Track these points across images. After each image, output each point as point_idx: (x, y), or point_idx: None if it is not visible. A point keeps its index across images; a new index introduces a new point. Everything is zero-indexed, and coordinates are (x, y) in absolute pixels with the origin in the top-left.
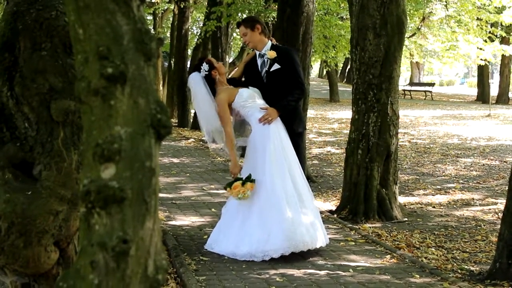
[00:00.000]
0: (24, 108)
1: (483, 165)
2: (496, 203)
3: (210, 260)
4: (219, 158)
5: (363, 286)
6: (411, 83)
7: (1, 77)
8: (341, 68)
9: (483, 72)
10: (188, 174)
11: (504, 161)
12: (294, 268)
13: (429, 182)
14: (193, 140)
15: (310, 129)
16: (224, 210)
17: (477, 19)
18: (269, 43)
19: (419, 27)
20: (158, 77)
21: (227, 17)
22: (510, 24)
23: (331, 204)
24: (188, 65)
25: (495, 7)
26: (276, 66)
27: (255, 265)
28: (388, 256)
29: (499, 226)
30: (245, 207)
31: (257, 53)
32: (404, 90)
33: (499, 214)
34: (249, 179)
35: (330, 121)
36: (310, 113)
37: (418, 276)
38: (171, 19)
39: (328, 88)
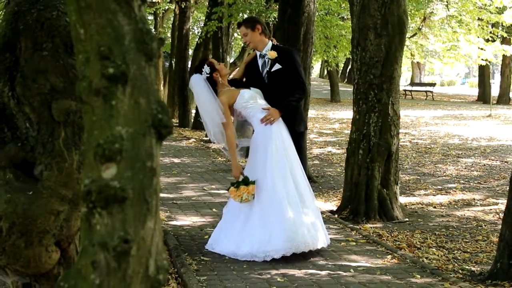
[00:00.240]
0: (25, 108)
1: (484, 165)
2: (497, 203)
3: (211, 260)
4: (220, 158)
5: (364, 286)
6: (412, 83)
7: (2, 77)
8: (342, 68)
9: (484, 72)
10: (189, 174)
11: (505, 161)
12: (295, 268)
13: (430, 182)
14: (194, 140)
15: (311, 129)
16: (225, 210)
17: (478, 19)
18: (270, 44)
19: (420, 27)
20: (159, 77)
21: (228, 17)
22: (511, 25)
23: (332, 204)
24: (189, 65)
25: (496, 8)
26: (277, 67)
27: (256, 265)
28: (389, 256)
29: (500, 227)
30: (246, 207)
31: (258, 53)
32: (405, 90)
33: (500, 214)
34: (244, 182)
35: (331, 121)
36: (311, 113)
37: (419, 276)
38: (172, 19)
39: (329, 88)
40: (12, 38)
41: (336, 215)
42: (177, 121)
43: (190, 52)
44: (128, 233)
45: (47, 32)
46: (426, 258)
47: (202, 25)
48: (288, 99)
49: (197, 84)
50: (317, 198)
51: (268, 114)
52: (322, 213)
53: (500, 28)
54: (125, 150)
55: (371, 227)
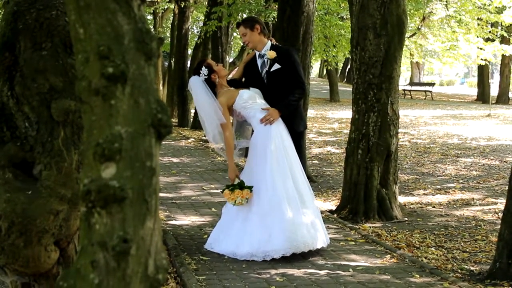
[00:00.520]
0: (24, 108)
1: (483, 165)
2: (496, 203)
3: (210, 259)
4: (219, 158)
5: (363, 286)
6: (411, 83)
7: (2, 76)
8: (341, 68)
9: (483, 72)
10: (188, 174)
11: (504, 161)
12: (294, 268)
13: (429, 182)
14: (193, 139)
15: (310, 129)
16: (224, 210)
17: (478, 19)
18: (269, 43)
19: (419, 27)
20: (158, 77)
21: (227, 17)
22: (510, 24)
23: (331, 204)
24: (188, 65)
25: (496, 7)
26: (276, 66)
27: (255, 264)
28: (388, 256)
29: (499, 226)
30: (245, 207)
31: (257, 53)
32: (404, 90)
33: (499, 214)
34: (239, 185)
35: (330, 121)
36: (310, 112)
37: (418, 276)
38: (171, 18)
39: (328, 87)
40: (11, 38)
41: (335, 215)
42: (176, 120)
43: (190, 51)
44: (127, 232)
45: (47, 31)
46: (425, 257)
47: (202, 24)
48: (288, 99)
49: (196, 86)
50: (317, 197)
51: (267, 114)
52: (322, 212)
53: (499, 28)
54: (125, 150)
55: (370, 227)
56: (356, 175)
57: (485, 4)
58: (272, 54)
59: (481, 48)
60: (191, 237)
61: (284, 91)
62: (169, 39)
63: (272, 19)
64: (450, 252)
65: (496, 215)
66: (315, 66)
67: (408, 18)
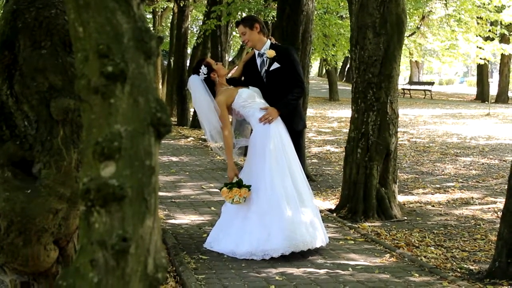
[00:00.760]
0: (23, 107)
1: (482, 164)
2: (495, 202)
3: (209, 258)
4: (218, 157)
5: (362, 285)
6: (411, 82)
7: (1, 75)
8: (340, 67)
9: (482, 71)
10: (187, 173)
11: (503, 160)
12: (294, 267)
13: (429, 181)
14: (193, 138)
15: (310, 128)
16: (223, 209)
17: (478, 17)
18: (268, 42)
19: (419, 26)
20: (157, 76)
21: (226, 16)
22: (510, 23)
23: (331, 203)
24: (188, 64)
25: (495, 6)
26: (275, 65)
27: (255, 263)
28: (388, 255)
29: (498, 225)
30: (245, 206)
31: (256, 52)
32: (403, 89)
33: (498, 213)
34: (238, 184)
35: (330, 120)
36: (310, 112)
37: (417, 275)
38: (170, 17)
39: (328, 87)
40: (10, 36)
41: (334, 214)
42: (176, 119)
43: (189, 50)
44: (126, 231)
45: (46, 30)
46: (425, 256)
47: (201, 23)
48: (287, 98)
49: (195, 85)
50: (316, 196)
51: (266, 113)
52: (321, 211)
53: (499, 27)
54: (124, 149)
55: (369, 226)
56: (356, 174)
57: (484, 3)
58: (272, 53)
59: (480, 47)
60: (190, 236)
61: (284, 90)
62: (169, 38)
63: (272, 18)
64: (449, 251)
65: (496, 214)
66: (315, 65)
67: (408, 17)
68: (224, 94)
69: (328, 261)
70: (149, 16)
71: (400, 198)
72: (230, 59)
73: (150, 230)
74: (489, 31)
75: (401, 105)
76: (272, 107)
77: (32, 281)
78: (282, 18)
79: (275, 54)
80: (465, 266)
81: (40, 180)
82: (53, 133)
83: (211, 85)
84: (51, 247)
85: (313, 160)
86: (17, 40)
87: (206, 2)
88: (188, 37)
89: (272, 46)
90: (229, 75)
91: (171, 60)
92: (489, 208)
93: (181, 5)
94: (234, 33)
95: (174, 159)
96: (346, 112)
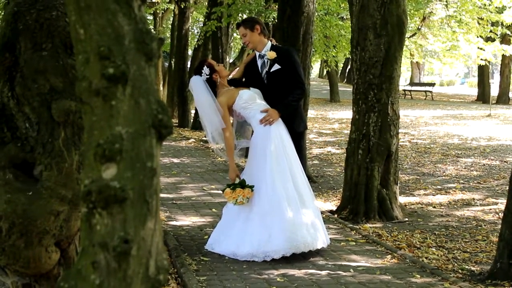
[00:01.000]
0: (25, 109)
1: (484, 165)
2: (496, 203)
3: (210, 260)
4: (219, 158)
5: (363, 286)
6: (412, 83)
7: (2, 77)
8: (341, 68)
9: (483, 72)
10: (188, 174)
11: (505, 161)
12: (295, 268)
13: (430, 182)
14: (194, 140)
15: (311, 129)
16: (225, 210)
17: (479, 18)
18: (269, 44)
19: (420, 27)
20: (158, 77)
21: (227, 17)
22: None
23: (332, 204)
24: (189, 65)
25: (496, 7)
26: (276, 67)
27: (256, 265)
28: (389, 256)
29: (499, 226)
30: (246, 207)
31: (257, 54)
32: (404, 90)
33: (500, 214)
34: (241, 184)
35: (331, 121)
36: (311, 113)
37: (418, 276)
38: (171, 19)
39: (329, 88)
40: (11, 38)
41: (335, 215)
42: (177, 121)
43: (190, 52)
44: (128, 233)
45: (47, 32)
46: (426, 258)
47: (202, 25)
48: (288, 99)
49: (197, 85)
50: (317, 198)
51: (267, 115)
52: (322, 213)
53: (500, 27)
54: (125, 150)
55: (370, 227)
56: (357, 175)
57: (485, 4)
58: (272, 54)
59: (481, 48)
60: (191, 237)
61: (284, 91)
62: (169, 39)
63: (272, 19)
64: (450, 252)
65: (497, 215)
66: (315, 67)
67: (408, 18)
68: (225, 95)
69: (329, 263)
70: (150, 17)
71: (401, 199)
72: (231, 60)
73: (151, 232)
74: (490, 31)
75: (402, 106)
76: (272, 109)
77: (34, 283)
78: (283, 19)
79: (276, 56)
80: (467, 267)
81: (41, 182)
82: (54, 135)
83: (212, 86)
84: (52, 249)
85: (314, 162)
86: (18, 42)
87: (207, 3)
88: (189, 39)
89: (273, 48)
90: (230, 76)
91: (172, 62)
92: (490, 209)
93: (182, 6)
94: (235, 34)
95: (175, 160)
96: (347, 113)
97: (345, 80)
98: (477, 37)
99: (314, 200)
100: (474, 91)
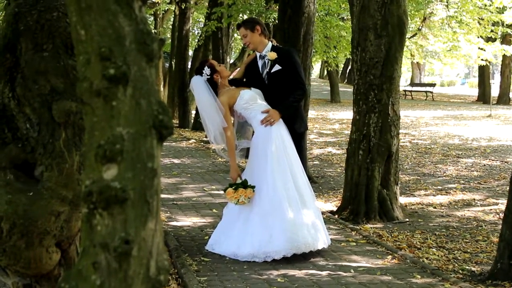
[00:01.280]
0: (25, 109)
1: (484, 165)
2: (497, 204)
3: (211, 260)
4: (220, 159)
5: (364, 287)
6: (412, 84)
7: (3, 78)
8: (342, 69)
9: (484, 73)
10: (189, 175)
11: (505, 162)
12: (296, 269)
13: (430, 183)
14: (194, 141)
15: (311, 130)
16: (225, 211)
17: (480, 18)
18: (270, 44)
19: (420, 27)
20: (159, 78)
21: (227, 17)
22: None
23: (332, 205)
24: (189, 66)
25: (496, 7)
26: (277, 67)
27: (257, 265)
28: (389, 257)
29: (500, 227)
30: (246, 208)
31: (258, 54)
32: (405, 91)
33: (500, 214)
34: (243, 184)
35: (331, 122)
36: (311, 113)
37: (419, 277)
38: (172, 19)
39: (329, 88)
40: (12, 39)
41: (336, 216)
42: (177, 121)
43: (190, 52)
44: (129, 233)
45: (48, 33)
46: (427, 258)
47: (202, 26)
48: (288, 100)
49: (198, 85)
50: (317, 198)
51: (268, 115)
52: (322, 213)
53: (500, 27)
54: (126, 151)
55: (371, 228)
56: (357, 176)
57: (485, 5)
58: (273, 55)
59: (481, 49)
60: (192, 238)
61: (285, 92)
62: (170, 40)
63: (273, 20)
64: (451, 252)
65: (497, 216)
66: (316, 67)
67: (409, 18)
68: (226, 94)
69: (330, 263)
70: (151, 18)
71: (402, 199)
72: (232, 61)
73: (152, 232)
74: (491, 31)
75: (403, 107)
76: (273, 109)
77: (35, 284)
78: (283, 20)
79: (276, 56)
80: (467, 267)
81: (42, 183)
82: (55, 136)
83: (213, 86)
84: (53, 249)
85: (314, 162)
86: (19, 42)
87: (207, 4)
88: (190, 39)
89: (273, 48)
90: (231, 76)
91: (173, 62)
92: (491, 209)
93: (183, 7)
94: (235, 35)
95: (176, 161)
96: (347, 114)
97: (346, 80)
98: (478, 37)
99: (314, 200)
100: (474, 92)
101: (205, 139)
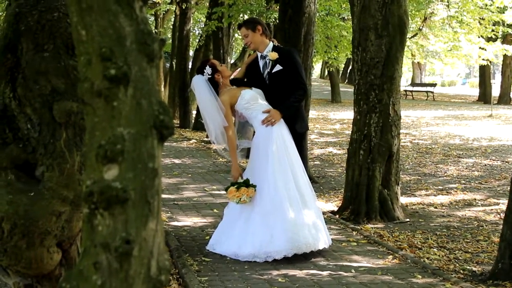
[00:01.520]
0: (26, 110)
1: (485, 165)
2: (498, 204)
3: (212, 260)
4: (221, 159)
5: (365, 287)
6: (413, 84)
7: (4, 78)
8: (342, 69)
9: (484, 73)
10: (190, 175)
11: (506, 161)
12: (296, 269)
13: (431, 183)
14: (195, 141)
15: (312, 130)
16: (226, 211)
17: (481, 18)
18: (271, 44)
19: (421, 27)
20: (159, 78)
21: (228, 17)
22: None
23: (333, 205)
24: (190, 66)
25: (497, 7)
26: (278, 68)
27: (257, 265)
28: (390, 257)
29: (501, 227)
30: (247, 208)
31: (259, 54)
32: (405, 91)
33: (501, 214)
34: (245, 183)
35: (332, 122)
36: (312, 113)
37: (420, 277)
38: (172, 20)
39: (330, 88)
40: (13, 40)
41: (337, 216)
42: (178, 122)
43: (191, 52)
44: (130, 234)
45: (49, 33)
46: (427, 258)
47: (203, 26)
48: (289, 100)
49: (199, 85)
50: (318, 198)
51: (269, 115)
52: (323, 213)
53: (501, 27)
54: (127, 151)
55: (372, 228)
56: (358, 176)
57: (486, 4)
58: (274, 55)
59: (482, 48)
60: (193, 238)
61: (286, 92)
62: (171, 40)
63: (274, 20)
64: (452, 252)
65: (498, 216)
66: (317, 67)
67: (410, 18)
68: (227, 94)
69: (330, 263)
70: (151, 18)
71: (403, 199)
72: (232, 61)
73: (153, 232)
74: (492, 31)
75: (404, 107)
76: (274, 109)
77: (36, 284)
78: (284, 20)
79: (277, 56)
80: (468, 267)
81: (43, 183)
82: (56, 136)
83: (214, 86)
84: (54, 249)
85: (315, 162)
86: (19, 43)
87: (208, 4)
88: (190, 39)
89: (274, 48)
90: (232, 76)
91: (173, 63)
92: (491, 209)
93: (183, 7)
94: (236, 35)
95: (177, 161)
96: (348, 114)
97: (347, 80)
98: (479, 37)
99: (315, 200)
100: (475, 92)
101: (206, 139)
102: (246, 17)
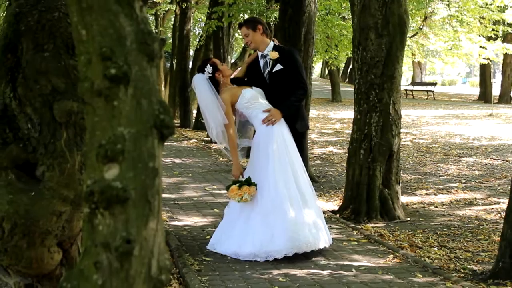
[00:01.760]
0: (27, 109)
1: (486, 164)
2: (498, 203)
3: (212, 260)
4: (221, 159)
5: (365, 286)
6: (413, 83)
7: (4, 78)
8: (343, 68)
9: (485, 72)
10: (190, 175)
11: (507, 161)
12: (297, 268)
13: (432, 182)
14: (195, 140)
15: (312, 129)
16: (226, 210)
17: (481, 17)
18: (271, 44)
19: (421, 26)
20: (160, 78)
21: (228, 17)
22: None
23: (334, 204)
24: (190, 66)
25: (497, 6)
26: (278, 67)
27: (258, 265)
28: (391, 256)
29: (501, 226)
30: (248, 207)
31: (259, 54)
32: (406, 90)
33: (502, 213)
34: (247, 182)
35: (332, 121)
36: (312, 113)
37: (420, 276)
38: (173, 19)
39: (330, 88)
40: (13, 39)
41: (337, 215)
42: (178, 121)
43: (191, 52)
44: (130, 233)
45: (49, 33)
46: (428, 257)
47: (203, 25)
48: (290, 99)
49: (200, 83)
50: (319, 198)
51: (269, 114)
52: (324, 213)
53: (501, 26)
54: (127, 151)
55: (372, 227)
56: (359, 175)
57: (486, 3)
58: (275, 54)
59: (483, 47)
60: (193, 237)
61: (286, 91)
62: (171, 39)
63: (274, 19)
64: (452, 251)
65: (499, 215)
66: (317, 66)
67: (410, 18)
68: (228, 92)
69: (331, 262)
70: (152, 18)
71: (403, 199)
72: (233, 60)
73: (153, 232)
74: (492, 30)
75: (404, 106)
76: (275, 109)
77: (36, 283)
78: (284, 19)
79: (278, 56)
80: (469, 266)
81: (43, 183)
82: (56, 136)
83: (215, 84)
84: (54, 249)
85: (316, 161)
86: (20, 43)
87: (208, 3)
88: (191, 39)
89: (275, 48)
90: (232, 76)
91: (174, 62)
92: (492, 208)
93: (183, 7)
94: (236, 34)
95: (177, 161)
96: (348, 113)
97: (347, 80)
98: (479, 36)
99: (316, 200)
100: (475, 91)
101: (206, 138)
102: (246, 16)
